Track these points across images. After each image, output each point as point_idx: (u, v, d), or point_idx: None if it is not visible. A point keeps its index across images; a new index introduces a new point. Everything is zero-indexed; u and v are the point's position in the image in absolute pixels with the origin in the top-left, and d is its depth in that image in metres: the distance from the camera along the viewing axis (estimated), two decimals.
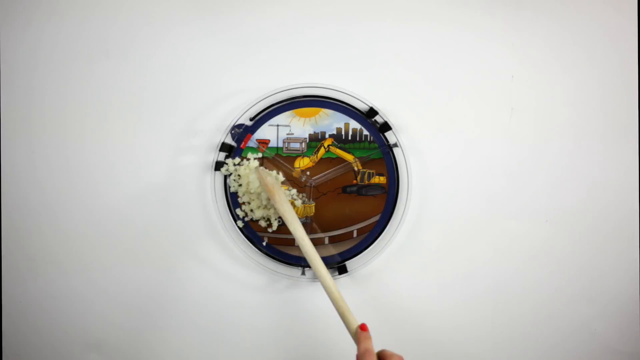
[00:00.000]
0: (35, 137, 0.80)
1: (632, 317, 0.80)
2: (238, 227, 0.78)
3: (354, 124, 0.78)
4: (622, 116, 0.79)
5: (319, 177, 0.78)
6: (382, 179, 0.78)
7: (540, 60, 0.79)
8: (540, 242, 0.79)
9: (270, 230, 0.78)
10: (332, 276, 0.78)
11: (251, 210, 0.77)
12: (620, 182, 0.79)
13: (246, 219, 0.78)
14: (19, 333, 0.82)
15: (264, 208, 0.76)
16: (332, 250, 0.78)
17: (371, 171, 0.78)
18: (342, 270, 0.78)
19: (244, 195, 0.77)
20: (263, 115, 0.78)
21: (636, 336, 0.80)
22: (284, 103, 0.78)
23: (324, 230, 0.78)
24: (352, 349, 0.80)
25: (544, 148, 0.79)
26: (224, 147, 0.78)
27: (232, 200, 0.78)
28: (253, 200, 0.76)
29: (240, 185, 0.77)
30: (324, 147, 0.78)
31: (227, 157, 0.78)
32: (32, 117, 0.80)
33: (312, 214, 0.78)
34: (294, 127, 0.78)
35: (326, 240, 0.78)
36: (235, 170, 0.77)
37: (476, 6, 0.78)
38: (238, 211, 0.78)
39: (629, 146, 0.79)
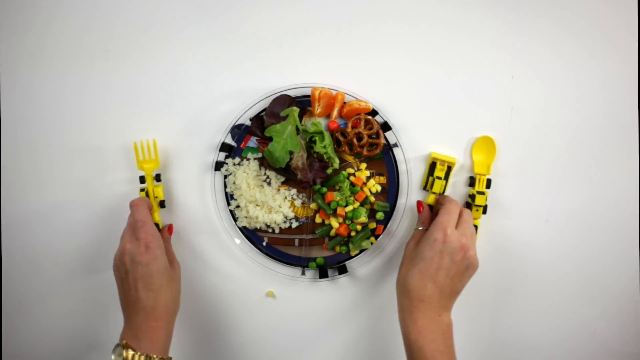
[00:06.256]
0: (35, 136, 0.80)
1: (632, 317, 0.80)
2: (238, 227, 0.78)
3: None
4: (623, 116, 0.79)
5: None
6: (382, 179, 0.78)
7: (540, 60, 0.79)
8: (540, 242, 0.79)
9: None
10: (332, 276, 0.78)
11: (247, 217, 0.77)
12: (621, 182, 0.79)
13: (243, 224, 0.78)
14: (19, 333, 0.82)
15: (267, 213, 0.77)
16: (332, 250, 0.78)
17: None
18: (342, 270, 0.78)
19: (239, 197, 0.77)
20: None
21: (636, 336, 0.80)
22: None
23: None
24: (351, 349, 0.81)
25: (544, 148, 0.79)
26: (224, 147, 0.78)
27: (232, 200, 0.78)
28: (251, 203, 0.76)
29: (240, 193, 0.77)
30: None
31: (227, 157, 0.78)
32: (32, 116, 0.80)
33: (312, 214, 0.78)
34: None
35: (326, 240, 0.78)
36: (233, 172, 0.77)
37: (476, 6, 0.78)
38: (237, 211, 0.78)
39: (629, 146, 0.79)
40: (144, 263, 0.66)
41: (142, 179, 0.77)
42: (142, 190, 0.76)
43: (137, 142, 0.77)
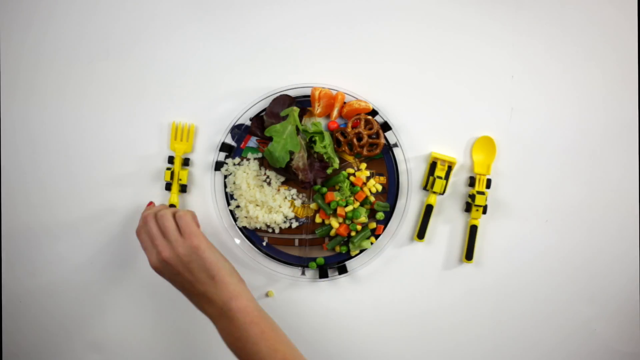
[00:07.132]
0: (35, 136, 0.80)
1: (632, 317, 0.80)
2: (238, 227, 0.78)
3: None
4: (622, 116, 0.79)
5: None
6: (382, 179, 0.78)
7: (540, 60, 0.79)
8: (540, 242, 0.79)
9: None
10: (332, 276, 0.78)
11: (247, 217, 0.77)
12: (621, 182, 0.79)
13: (243, 224, 0.78)
14: (19, 333, 0.82)
15: (267, 213, 0.76)
16: (332, 250, 0.78)
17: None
18: (342, 270, 0.78)
19: (239, 198, 0.77)
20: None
21: (636, 336, 0.80)
22: None
23: None
24: (351, 349, 0.81)
25: (544, 148, 0.79)
26: (224, 147, 0.78)
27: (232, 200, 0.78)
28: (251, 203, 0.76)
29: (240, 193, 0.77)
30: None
31: (227, 157, 0.78)
32: (32, 116, 0.80)
33: (312, 214, 0.78)
34: None
35: (326, 240, 0.78)
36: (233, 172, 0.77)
37: (476, 7, 0.78)
38: (237, 211, 0.78)
39: (629, 146, 0.79)
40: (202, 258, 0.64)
41: (171, 160, 0.78)
42: (168, 169, 0.78)
43: (175, 122, 0.79)
